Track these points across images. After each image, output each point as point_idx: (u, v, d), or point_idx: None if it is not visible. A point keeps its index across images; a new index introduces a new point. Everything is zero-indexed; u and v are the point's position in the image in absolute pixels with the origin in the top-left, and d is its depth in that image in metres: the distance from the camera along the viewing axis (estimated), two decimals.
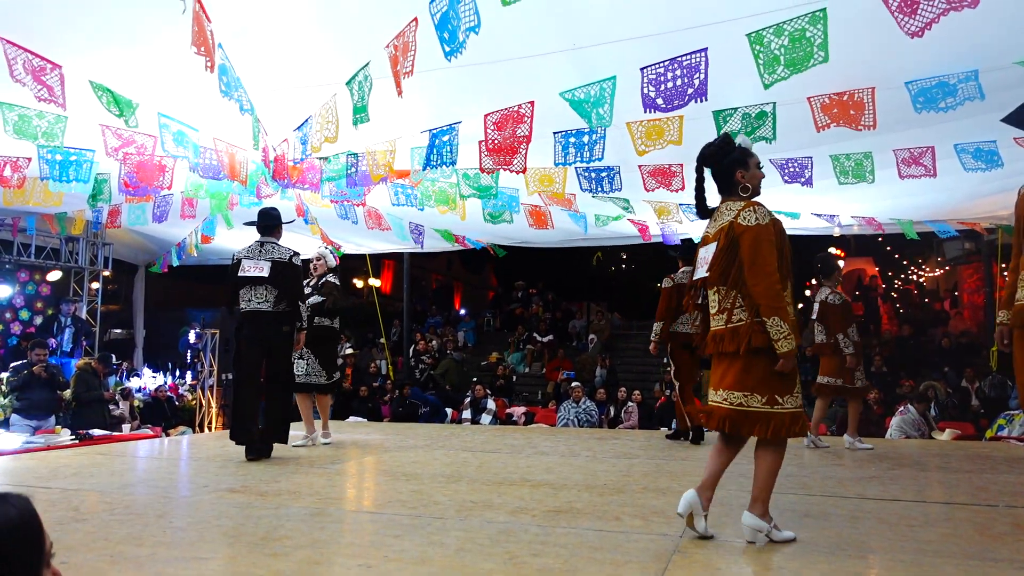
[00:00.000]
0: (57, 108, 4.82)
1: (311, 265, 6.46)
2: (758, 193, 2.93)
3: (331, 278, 6.30)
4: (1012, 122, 3.22)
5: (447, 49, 3.92)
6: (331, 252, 6.57)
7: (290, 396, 5.48)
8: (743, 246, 2.73)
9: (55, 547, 2.69)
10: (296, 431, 5.88)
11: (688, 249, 6.29)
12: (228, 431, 5.48)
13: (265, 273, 5.11)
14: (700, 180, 2.96)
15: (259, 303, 5.14)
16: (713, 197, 3.02)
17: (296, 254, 5.28)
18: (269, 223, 5.38)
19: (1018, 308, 3.16)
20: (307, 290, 6.22)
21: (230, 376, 11.36)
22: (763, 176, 2.98)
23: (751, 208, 2.78)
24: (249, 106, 5.07)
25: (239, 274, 5.15)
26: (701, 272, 2.92)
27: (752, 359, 2.72)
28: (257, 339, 5.13)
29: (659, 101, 4.55)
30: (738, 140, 2.96)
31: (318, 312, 6.08)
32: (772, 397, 2.71)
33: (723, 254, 2.79)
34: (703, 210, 2.99)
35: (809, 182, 6.33)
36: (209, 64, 4.18)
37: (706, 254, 2.90)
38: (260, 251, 5.25)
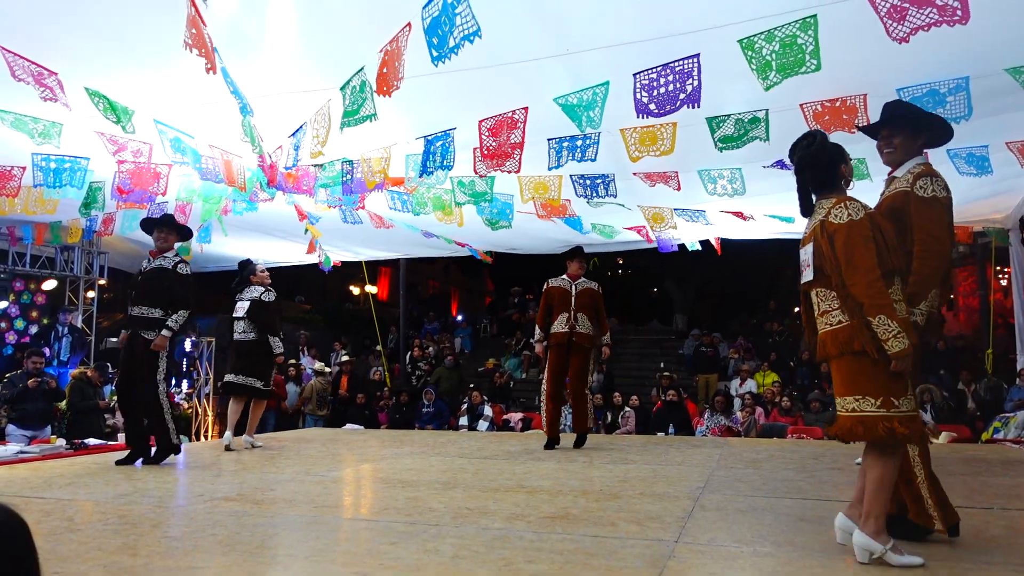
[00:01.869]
0: (58, 110, 4.84)
1: (264, 276, 6.99)
2: (852, 184, 2.85)
3: (270, 296, 6.85)
4: (866, 131, 3.27)
5: (434, 54, 3.94)
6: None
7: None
8: (837, 245, 2.62)
9: (49, 557, 2.68)
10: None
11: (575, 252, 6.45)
12: (219, 439, 5.60)
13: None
14: (803, 183, 2.83)
15: None
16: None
17: (183, 261, 5.41)
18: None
19: None
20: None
21: None
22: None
23: (842, 204, 2.66)
24: (250, 110, 5.08)
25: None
26: (805, 275, 2.80)
27: (861, 361, 2.57)
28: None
29: (652, 107, 4.57)
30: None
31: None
32: (887, 400, 2.54)
33: (817, 254, 2.70)
34: (808, 209, 2.84)
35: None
36: (210, 67, 4.19)
37: (805, 256, 2.80)
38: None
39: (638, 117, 4.65)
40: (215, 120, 5.56)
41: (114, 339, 12.61)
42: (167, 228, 5.49)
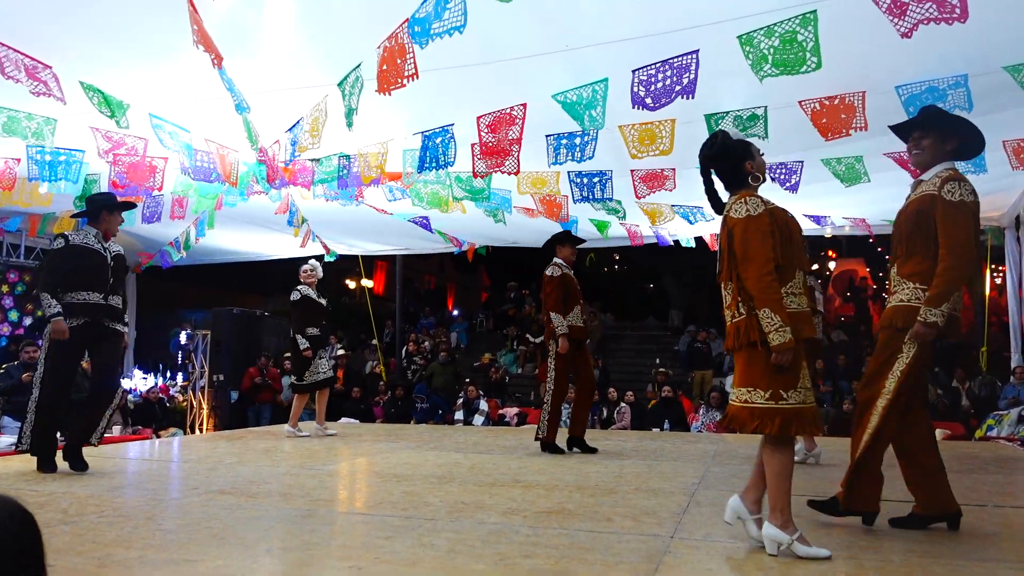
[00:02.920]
0: (52, 105, 4.80)
1: (308, 274, 7.14)
2: (764, 179, 2.88)
3: (295, 295, 7.00)
4: (897, 132, 3.29)
5: (416, 30, 3.94)
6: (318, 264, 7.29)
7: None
8: (735, 239, 2.69)
9: (44, 549, 2.66)
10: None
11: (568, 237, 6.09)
12: (215, 432, 5.43)
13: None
14: (708, 181, 2.90)
15: None
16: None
17: (58, 237, 4.76)
18: (89, 208, 4.86)
19: None
20: (323, 301, 7.16)
21: (221, 377, 11.33)
22: (765, 161, 2.93)
23: (742, 200, 2.73)
24: (246, 107, 5.05)
25: None
26: (719, 269, 2.86)
27: (753, 353, 2.64)
28: None
29: (648, 100, 4.56)
30: (734, 133, 2.93)
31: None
32: (776, 392, 2.60)
33: (721, 249, 2.80)
34: (719, 207, 2.91)
35: (795, 188, 6.36)
36: (216, 60, 4.17)
37: (719, 251, 2.88)
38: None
39: (633, 108, 4.62)
40: (212, 115, 5.53)
41: None
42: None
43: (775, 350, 2.56)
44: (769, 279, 2.60)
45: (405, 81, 4.20)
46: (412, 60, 4.14)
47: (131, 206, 5.31)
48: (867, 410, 3.05)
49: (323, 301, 7.18)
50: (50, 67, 4.57)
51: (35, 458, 4.66)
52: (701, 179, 2.92)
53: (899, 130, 3.27)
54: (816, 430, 2.72)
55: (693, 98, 4.48)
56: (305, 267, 7.15)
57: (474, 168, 5.77)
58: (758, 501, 2.75)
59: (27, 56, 4.46)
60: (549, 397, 5.74)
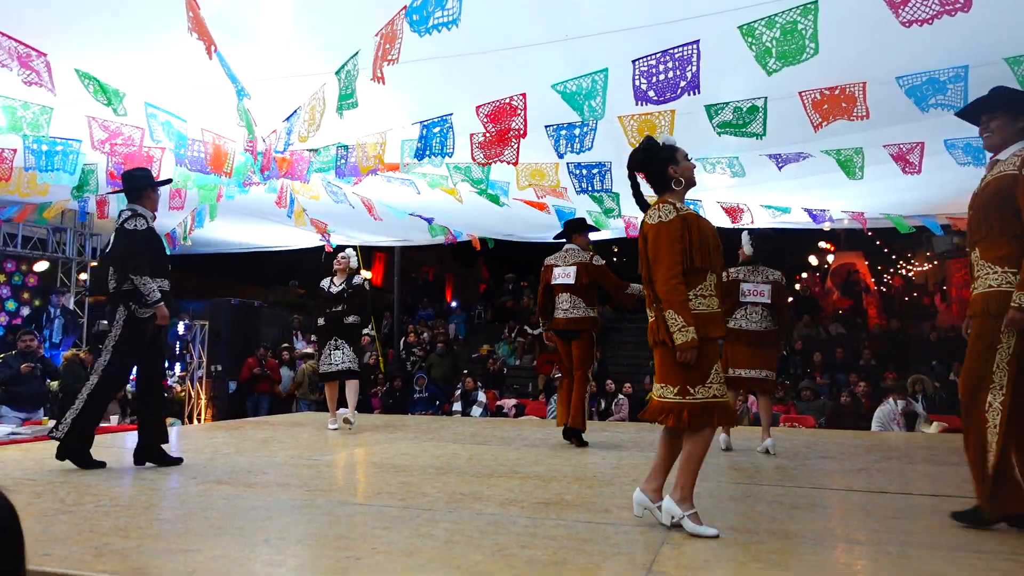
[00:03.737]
0: (47, 93, 4.76)
1: (336, 261, 6.81)
2: (693, 183, 3.04)
3: (358, 280, 6.73)
4: (965, 116, 3.22)
5: (414, 18, 3.92)
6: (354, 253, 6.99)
7: (83, 390, 4.36)
8: (649, 243, 2.88)
9: (41, 539, 2.67)
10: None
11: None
12: (214, 422, 5.34)
13: (110, 248, 4.41)
14: (635, 185, 3.08)
15: (109, 285, 4.42)
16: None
17: (134, 216, 4.37)
18: (133, 185, 4.53)
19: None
20: (336, 289, 6.66)
21: (219, 368, 11.32)
22: (694, 167, 3.07)
23: (657, 207, 2.91)
24: (246, 93, 5.02)
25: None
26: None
27: (664, 351, 2.82)
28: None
29: (651, 93, 4.54)
30: (661, 139, 3.07)
31: (354, 311, 6.60)
32: (684, 388, 2.78)
33: (640, 253, 2.96)
34: (644, 206, 3.08)
35: (808, 155, 6.24)
36: (208, 49, 4.14)
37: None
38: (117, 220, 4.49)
39: (637, 104, 4.61)
40: (209, 103, 5.50)
41: (105, 321, 12.55)
42: None
43: (678, 348, 2.74)
44: (675, 282, 2.78)
45: (386, 65, 4.16)
46: (399, 47, 4.11)
47: (168, 182, 5.17)
48: (975, 406, 2.88)
49: (336, 290, 6.63)
50: (44, 54, 4.54)
51: (61, 446, 4.24)
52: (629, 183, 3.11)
53: (967, 115, 3.18)
54: (727, 423, 2.86)
55: (699, 93, 4.45)
56: (340, 256, 6.87)
57: (472, 155, 5.74)
58: (658, 490, 2.90)
59: (21, 43, 4.42)
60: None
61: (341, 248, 7.42)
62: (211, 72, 4.79)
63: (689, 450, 2.82)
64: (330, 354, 6.57)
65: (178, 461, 4.48)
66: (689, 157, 3.06)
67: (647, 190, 3.09)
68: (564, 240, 5.91)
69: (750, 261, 5.44)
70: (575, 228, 5.86)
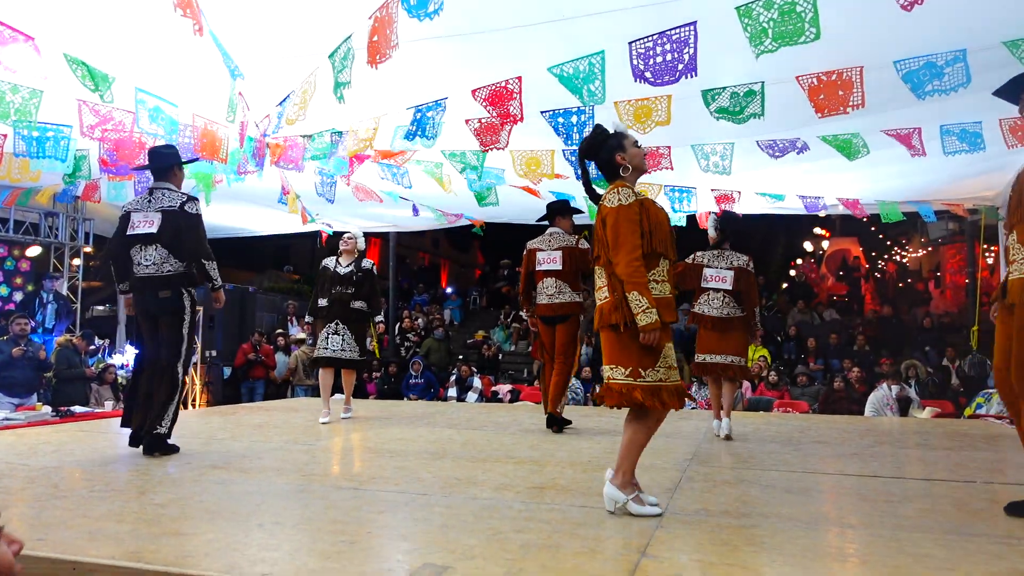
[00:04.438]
0: (35, 77, 4.70)
1: (342, 241, 6.41)
2: (643, 170, 3.06)
3: (368, 264, 6.35)
4: (1003, 95, 3.16)
5: (412, 2, 3.89)
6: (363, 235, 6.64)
7: (172, 381, 4.30)
8: (608, 226, 2.88)
9: (35, 524, 2.66)
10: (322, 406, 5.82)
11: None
12: (208, 407, 5.29)
13: (155, 228, 4.27)
14: (584, 172, 3.10)
15: (147, 267, 4.31)
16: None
17: (191, 199, 4.37)
18: (161, 164, 4.43)
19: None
20: (344, 270, 6.25)
21: (214, 353, 11.29)
22: (644, 154, 3.09)
23: (615, 190, 2.92)
24: (240, 73, 4.96)
25: (128, 232, 4.33)
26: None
27: (618, 334, 2.84)
28: (144, 311, 4.34)
29: (647, 75, 4.51)
30: (612, 127, 3.09)
31: (361, 296, 6.23)
32: (635, 370, 2.81)
33: (595, 236, 2.97)
34: (594, 198, 3.06)
35: (803, 149, 6.23)
36: (197, 28, 4.08)
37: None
38: (150, 201, 4.37)
39: (635, 81, 4.56)
40: (201, 87, 5.44)
41: (101, 307, 12.51)
42: None
43: (642, 330, 2.75)
44: (637, 264, 2.80)
45: (390, 52, 4.13)
46: (395, 31, 4.07)
47: (195, 160, 5.09)
48: None
49: (344, 271, 6.23)
50: (32, 39, 4.47)
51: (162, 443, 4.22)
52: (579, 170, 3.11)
53: (1005, 94, 3.11)
54: (677, 405, 2.86)
55: (696, 76, 4.41)
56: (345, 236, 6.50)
57: (479, 135, 5.69)
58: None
59: (8, 27, 4.36)
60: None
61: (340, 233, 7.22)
62: (204, 56, 4.74)
63: (630, 435, 2.88)
64: (327, 338, 6.12)
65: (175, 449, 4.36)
66: (639, 144, 3.08)
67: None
68: (547, 223, 5.77)
69: (716, 245, 5.30)
70: (559, 211, 5.68)
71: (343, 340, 6.15)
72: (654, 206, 2.95)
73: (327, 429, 5.72)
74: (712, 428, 5.33)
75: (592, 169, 3.13)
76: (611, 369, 2.89)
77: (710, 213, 5.37)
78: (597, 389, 10.56)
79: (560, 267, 5.46)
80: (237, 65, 4.90)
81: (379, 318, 6.68)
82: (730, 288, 5.13)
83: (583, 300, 5.60)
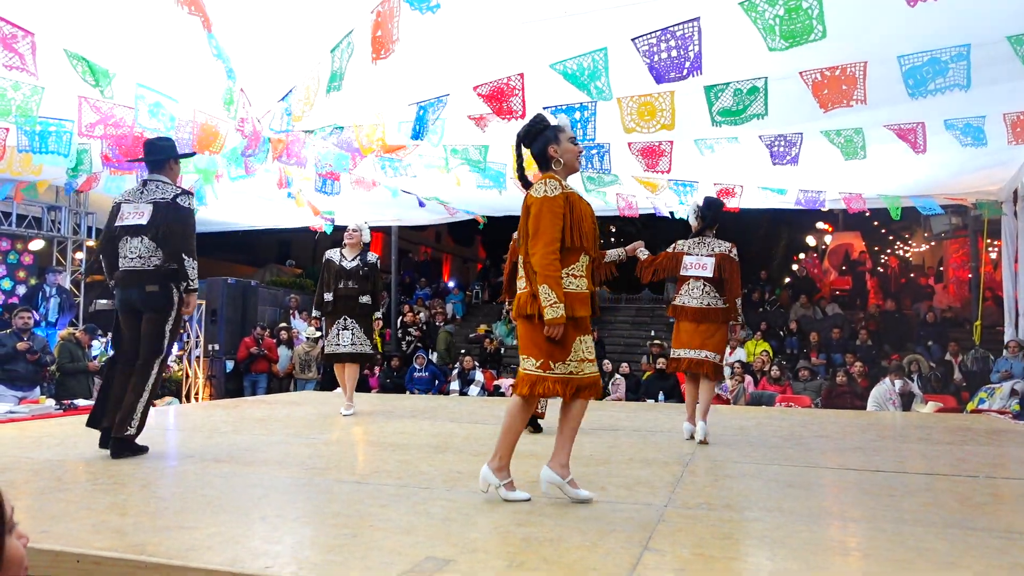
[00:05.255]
0: (28, 77, 4.69)
1: (347, 234, 6.32)
2: (574, 168, 3.08)
3: (372, 258, 6.32)
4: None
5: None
6: (366, 227, 6.52)
7: (144, 379, 4.07)
8: (531, 216, 2.89)
9: (38, 516, 2.67)
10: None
11: None
12: (211, 401, 5.27)
13: (144, 220, 4.09)
14: (519, 157, 3.11)
15: (132, 259, 4.12)
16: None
17: (185, 193, 4.22)
18: (157, 156, 4.27)
19: None
20: (350, 264, 6.19)
21: (216, 347, 11.31)
22: (579, 151, 3.09)
23: (543, 181, 2.93)
24: (235, 75, 4.96)
25: (116, 223, 4.16)
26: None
27: (532, 325, 2.87)
28: (126, 305, 4.16)
29: (655, 71, 4.50)
30: (556, 120, 3.12)
31: (364, 291, 6.19)
32: (546, 362, 2.85)
33: (520, 225, 2.97)
34: (526, 184, 3.09)
35: (795, 160, 6.28)
36: (205, 23, 4.08)
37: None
38: (142, 192, 4.20)
39: (651, 75, 4.54)
40: (201, 82, 5.44)
41: (103, 301, 12.53)
42: None
43: (547, 323, 2.79)
44: (552, 257, 2.82)
45: (393, 47, 4.12)
46: (396, 26, 4.06)
47: (191, 155, 5.01)
48: None
49: (350, 266, 6.17)
50: (32, 34, 4.46)
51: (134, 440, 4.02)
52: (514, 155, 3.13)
53: None
54: (592, 395, 2.92)
55: (701, 73, 4.40)
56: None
57: (479, 122, 5.68)
58: (565, 465, 2.97)
59: (8, 22, 4.35)
60: None
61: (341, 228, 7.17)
62: (203, 50, 4.73)
63: (507, 421, 2.94)
64: (338, 334, 6.13)
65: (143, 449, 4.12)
66: (577, 141, 3.09)
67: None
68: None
69: (698, 232, 4.99)
70: None
71: (352, 335, 6.16)
72: (580, 201, 2.97)
73: (329, 423, 5.73)
74: (684, 431, 4.95)
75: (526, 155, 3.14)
76: (524, 359, 2.93)
77: (695, 202, 5.10)
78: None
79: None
80: (232, 68, 4.88)
81: (378, 314, 6.67)
82: (711, 276, 4.80)
83: None
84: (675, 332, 4.98)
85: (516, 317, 2.96)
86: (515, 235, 5.63)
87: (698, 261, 4.82)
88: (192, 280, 4.13)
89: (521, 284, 2.98)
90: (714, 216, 4.95)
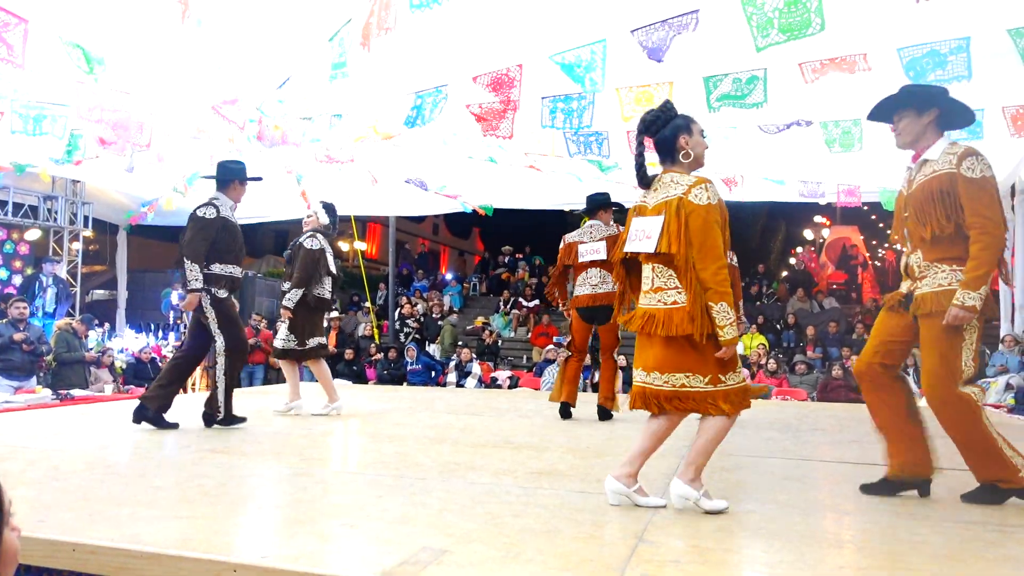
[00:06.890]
0: (15, 68, 4.65)
1: (303, 223, 5.86)
2: (701, 163, 2.80)
3: (303, 238, 5.60)
4: (876, 118, 3.16)
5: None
6: (325, 208, 5.84)
7: (213, 372, 4.81)
8: (693, 226, 2.59)
9: (34, 506, 2.67)
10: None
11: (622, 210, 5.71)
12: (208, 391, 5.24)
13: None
14: (641, 150, 2.83)
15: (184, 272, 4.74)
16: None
17: (208, 204, 4.62)
18: (223, 177, 4.77)
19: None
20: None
21: None
22: (707, 146, 2.83)
23: (703, 186, 2.64)
24: (226, 70, 4.94)
25: None
26: (638, 245, 2.76)
27: (690, 342, 2.64)
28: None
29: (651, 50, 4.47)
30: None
31: (290, 277, 5.57)
32: (716, 377, 2.65)
33: (668, 230, 2.63)
34: (644, 180, 2.83)
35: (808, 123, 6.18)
36: (184, 8, 4.05)
37: (644, 226, 2.73)
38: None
39: (647, 57, 4.51)
40: (198, 71, 5.41)
41: (100, 291, 12.52)
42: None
43: (726, 344, 2.61)
44: (725, 274, 2.60)
45: (383, 33, 4.09)
46: (393, 15, 4.03)
47: (258, 179, 5.10)
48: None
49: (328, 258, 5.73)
50: (25, 21, 4.42)
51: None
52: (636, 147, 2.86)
53: (877, 116, 3.12)
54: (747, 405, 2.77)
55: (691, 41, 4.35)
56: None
57: (479, 119, 5.67)
58: (633, 475, 2.79)
59: (3, 10, 4.31)
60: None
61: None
62: (199, 40, 4.71)
63: (714, 435, 2.74)
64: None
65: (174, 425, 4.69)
66: (705, 134, 2.82)
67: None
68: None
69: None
70: (602, 204, 5.60)
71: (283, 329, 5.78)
72: (726, 209, 2.72)
73: (327, 415, 5.73)
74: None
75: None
76: (687, 377, 2.66)
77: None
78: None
79: (604, 257, 5.39)
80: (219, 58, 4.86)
81: (287, 301, 5.62)
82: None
83: None
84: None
85: (663, 334, 2.66)
86: (569, 238, 5.66)
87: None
88: (190, 282, 4.54)
89: (666, 297, 2.68)
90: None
